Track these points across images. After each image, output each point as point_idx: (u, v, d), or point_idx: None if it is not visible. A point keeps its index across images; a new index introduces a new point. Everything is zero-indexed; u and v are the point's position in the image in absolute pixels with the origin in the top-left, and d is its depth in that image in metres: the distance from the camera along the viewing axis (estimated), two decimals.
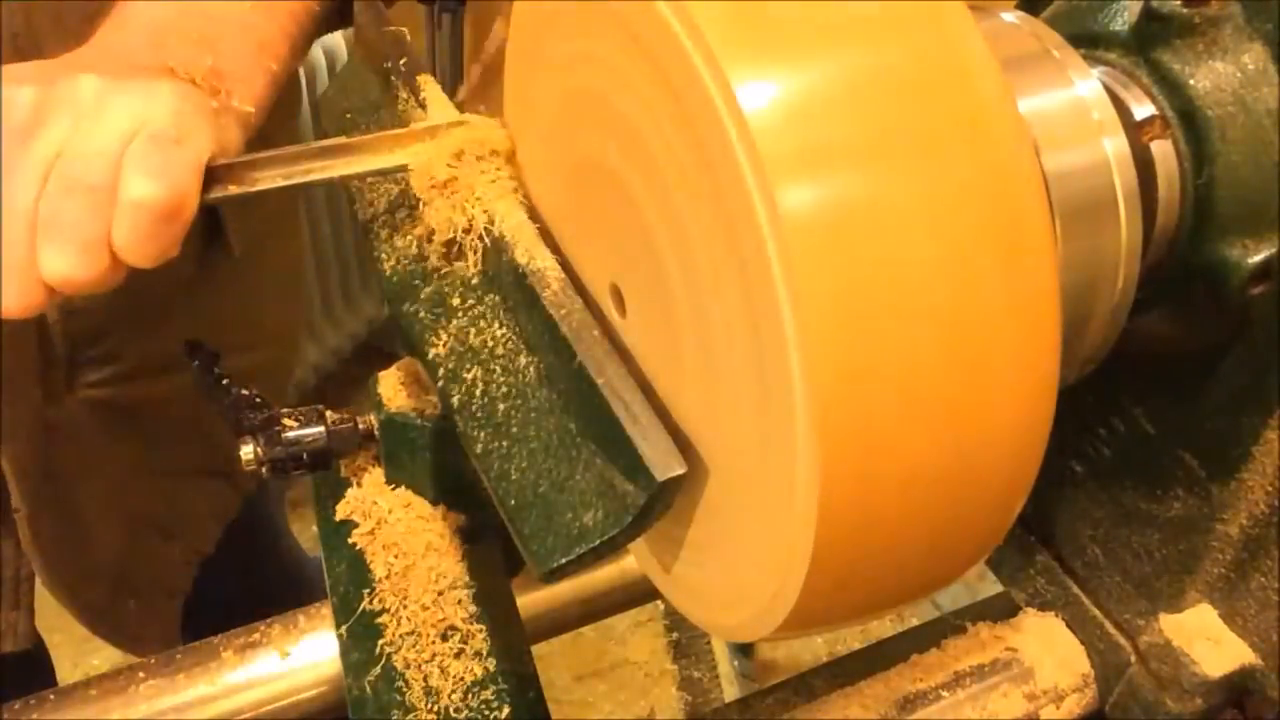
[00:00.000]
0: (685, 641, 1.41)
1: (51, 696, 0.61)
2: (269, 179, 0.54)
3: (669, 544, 0.50)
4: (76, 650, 1.13)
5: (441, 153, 0.53)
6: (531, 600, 0.70)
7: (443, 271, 0.54)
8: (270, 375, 1.09)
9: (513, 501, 0.47)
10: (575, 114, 0.48)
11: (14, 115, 0.52)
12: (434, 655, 0.59)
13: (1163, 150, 0.49)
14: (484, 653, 0.60)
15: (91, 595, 1.04)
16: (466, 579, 0.63)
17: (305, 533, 1.55)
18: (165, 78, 0.56)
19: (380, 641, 0.60)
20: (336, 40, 1.87)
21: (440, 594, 0.62)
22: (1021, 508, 0.43)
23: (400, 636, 0.60)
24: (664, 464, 0.41)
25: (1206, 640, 0.55)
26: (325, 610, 0.64)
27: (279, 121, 0.71)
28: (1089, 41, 0.52)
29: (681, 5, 0.38)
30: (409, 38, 0.63)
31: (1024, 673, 0.62)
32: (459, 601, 0.61)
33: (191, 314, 0.94)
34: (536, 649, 0.63)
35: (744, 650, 1.76)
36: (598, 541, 0.43)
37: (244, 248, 0.96)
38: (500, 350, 0.50)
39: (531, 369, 0.48)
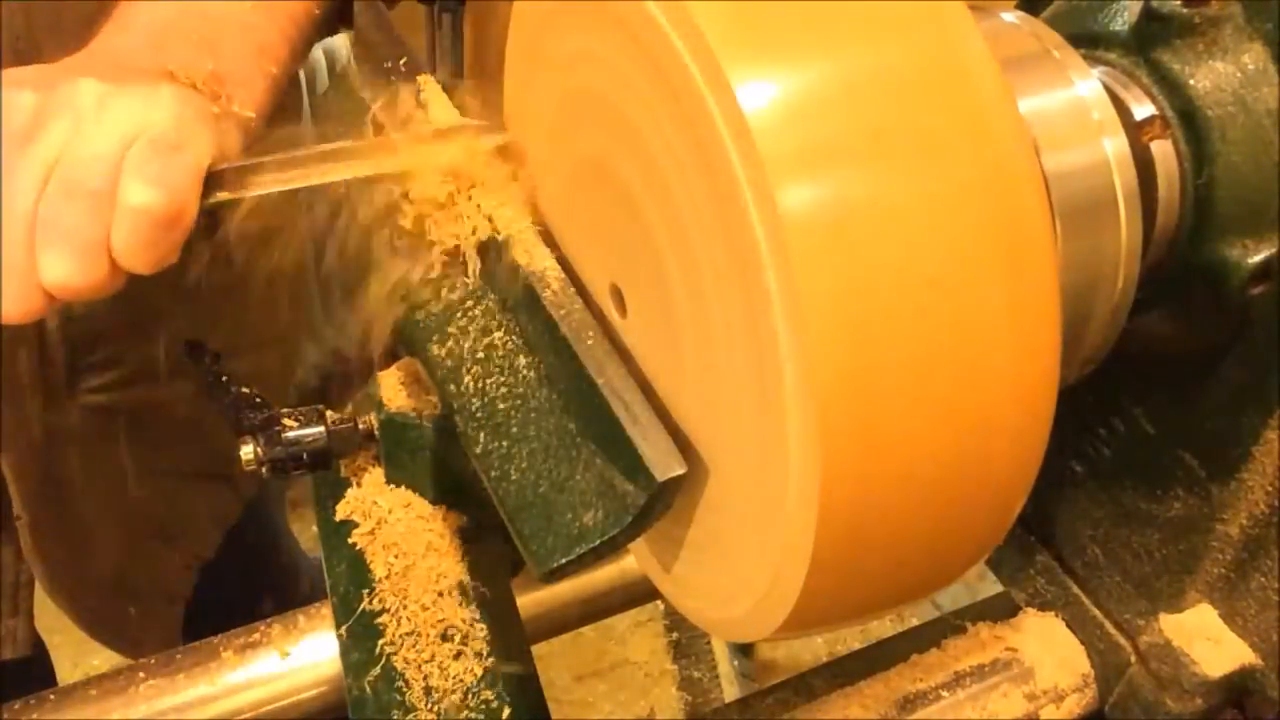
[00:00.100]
0: (685, 641, 1.41)
1: (51, 696, 0.61)
2: (269, 183, 0.54)
3: (669, 544, 0.50)
4: (76, 650, 1.13)
5: (441, 164, 0.53)
6: (531, 600, 0.70)
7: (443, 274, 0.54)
8: (271, 379, 1.09)
9: (513, 501, 0.47)
10: (575, 114, 0.48)
11: (14, 119, 0.52)
12: (434, 655, 0.59)
13: (1163, 150, 0.49)
14: (484, 653, 0.59)
15: (92, 601, 1.04)
16: (466, 579, 0.63)
17: (305, 533, 1.55)
18: (166, 82, 0.56)
19: (380, 642, 0.60)
20: (336, 41, 1.86)
21: (440, 594, 0.62)
22: (1021, 508, 0.43)
23: (400, 637, 0.60)
24: (664, 464, 0.41)
25: (1206, 640, 0.55)
26: (325, 610, 0.64)
27: (279, 124, 0.71)
28: (1089, 41, 0.52)
29: (681, 5, 0.38)
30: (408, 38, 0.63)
31: (1024, 673, 0.62)
32: (459, 601, 0.61)
33: (191, 318, 0.94)
34: (536, 649, 0.63)
35: (744, 650, 1.76)
36: (598, 541, 0.43)
37: (244, 252, 0.96)
38: (500, 350, 0.50)
39: (531, 369, 0.48)
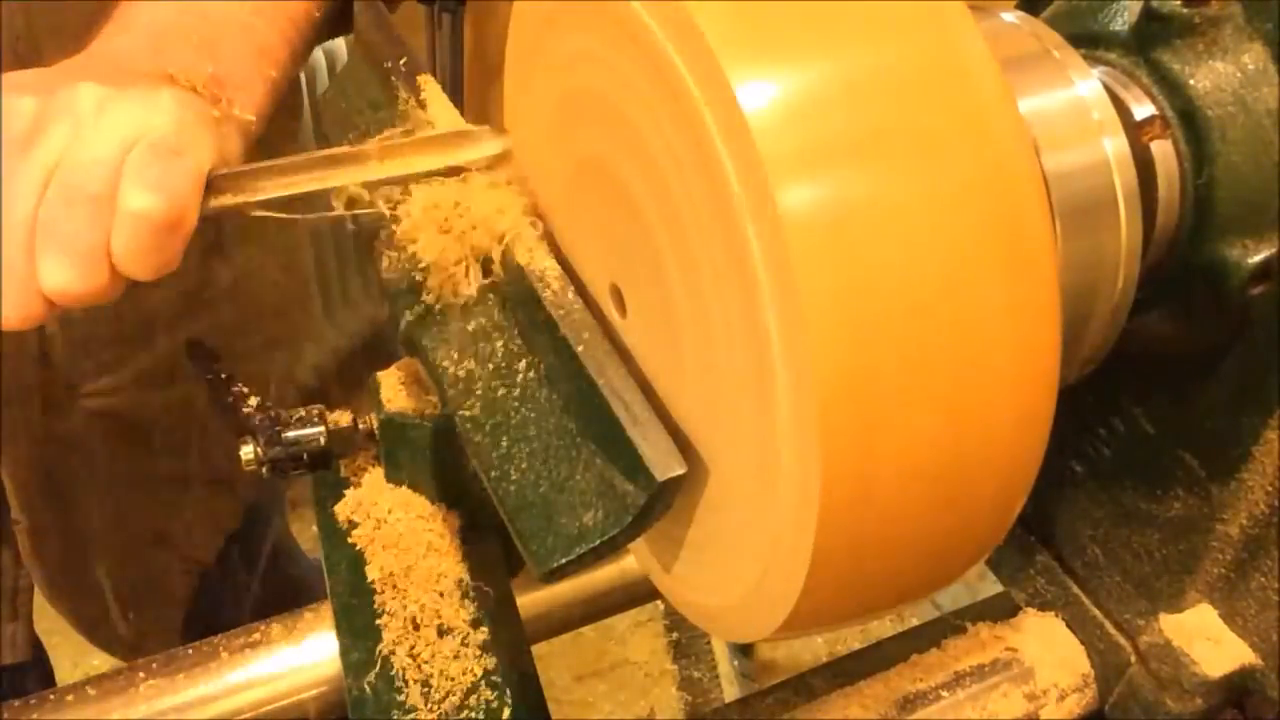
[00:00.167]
0: (685, 641, 1.41)
1: (51, 696, 0.61)
2: (270, 189, 0.53)
3: (669, 544, 0.50)
4: (76, 650, 1.13)
5: (442, 170, 0.52)
6: (531, 600, 0.70)
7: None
8: (273, 383, 1.08)
9: (513, 501, 0.47)
10: (575, 114, 0.48)
11: (14, 124, 0.51)
12: (434, 655, 0.59)
13: (1163, 150, 0.49)
14: (484, 653, 0.60)
15: (91, 607, 1.04)
16: (466, 579, 0.63)
17: (305, 533, 1.55)
18: (166, 85, 0.56)
19: (380, 642, 0.60)
20: (336, 41, 1.86)
21: (440, 594, 0.62)
22: (1021, 508, 0.43)
23: (400, 637, 0.60)
24: (664, 464, 0.41)
25: (1206, 640, 0.55)
26: (325, 610, 0.64)
27: (280, 127, 0.70)
28: (1089, 41, 0.52)
29: (681, 5, 0.38)
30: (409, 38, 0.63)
31: (1024, 673, 0.62)
32: (459, 601, 0.61)
33: (192, 323, 0.94)
34: (536, 649, 0.63)
35: (744, 650, 1.76)
36: (598, 541, 0.43)
37: (245, 256, 0.96)
38: (500, 351, 0.50)
39: (531, 370, 0.48)
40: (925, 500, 0.39)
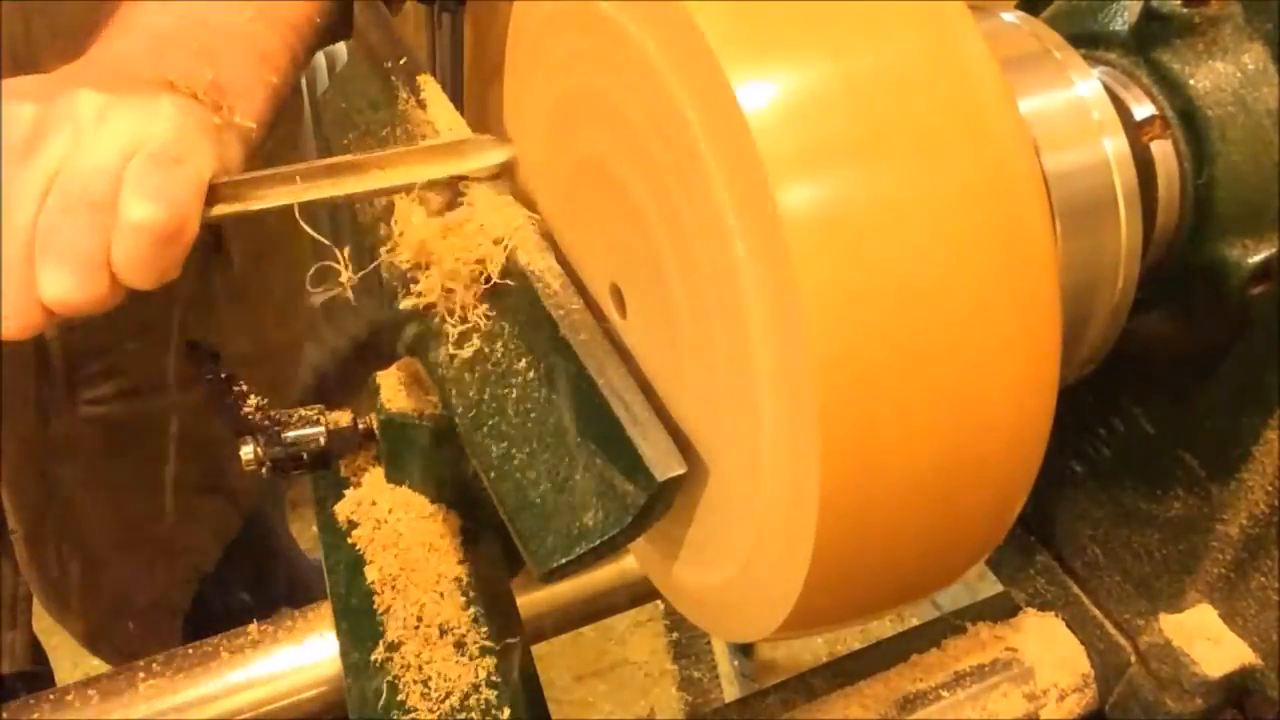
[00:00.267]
0: (685, 641, 1.42)
1: (51, 696, 0.61)
2: (271, 197, 0.52)
3: (669, 544, 0.50)
4: (76, 650, 1.13)
5: (443, 178, 0.52)
6: (531, 600, 0.70)
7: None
8: (273, 387, 1.08)
9: (513, 501, 0.47)
10: (575, 114, 0.48)
11: (13, 131, 0.51)
12: (434, 655, 0.59)
13: (1163, 150, 0.49)
14: (484, 653, 0.59)
15: (90, 615, 1.04)
16: (466, 579, 0.63)
17: (305, 533, 1.55)
18: (166, 92, 0.55)
19: (380, 642, 0.60)
20: (337, 44, 1.86)
21: (440, 594, 0.62)
22: (1021, 508, 0.43)
23: (400, 637, 0.60)
24: (664, 464, 0.41)
25: (1206, 640, 0.55)
26: (325, 610, 0.64)
27: (281, 131, 0.70)
28: (1089, 41, 0.52)
29: (680, 5, 0.38)
30: (409, 38, 0.63)
31: (1024, 673, 0.62)
32: (459, 602, 0.61)
33: (192, 329, 0.93)
34: (536, 649, 0.63)
35: (744, 650, 1.76)
36: (598, 541, 0.43)
37: (245, 262, 0.96)
38: (500, 351, 0.50)
39: (532, 369, 0.48)
40: (925, 500, 0.39)
